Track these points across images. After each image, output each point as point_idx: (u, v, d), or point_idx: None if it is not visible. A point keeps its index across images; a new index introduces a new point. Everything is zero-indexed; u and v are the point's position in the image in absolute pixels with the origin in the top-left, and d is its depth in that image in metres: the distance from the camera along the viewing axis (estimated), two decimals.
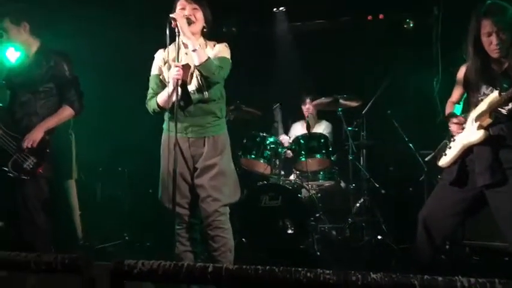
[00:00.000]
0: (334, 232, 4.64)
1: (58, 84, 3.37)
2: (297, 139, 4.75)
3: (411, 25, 5.20)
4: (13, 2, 3.61)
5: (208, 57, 2.79)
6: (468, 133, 2.66)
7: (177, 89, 2.78)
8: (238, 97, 4.53)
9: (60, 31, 4.32)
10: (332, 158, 4.68)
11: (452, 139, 2.78)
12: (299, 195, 4.45)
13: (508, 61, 2.60)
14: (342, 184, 4.99)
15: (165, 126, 3.01)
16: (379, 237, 4.39)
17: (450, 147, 2.76)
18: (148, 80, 3.08)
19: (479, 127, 2.61)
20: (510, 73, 2.58)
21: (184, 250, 2.99)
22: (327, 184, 4.91)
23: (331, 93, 4.71)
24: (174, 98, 2.79)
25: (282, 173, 4.83)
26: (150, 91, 3.04)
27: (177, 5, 2.91)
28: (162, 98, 2.91)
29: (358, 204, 4.76)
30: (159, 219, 3.08)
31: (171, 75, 2.80)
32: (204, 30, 2.98)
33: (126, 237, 4.78)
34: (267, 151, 4.64)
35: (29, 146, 3.22)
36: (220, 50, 2.94)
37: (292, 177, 5.00)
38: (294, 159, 4.75)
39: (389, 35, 5.41)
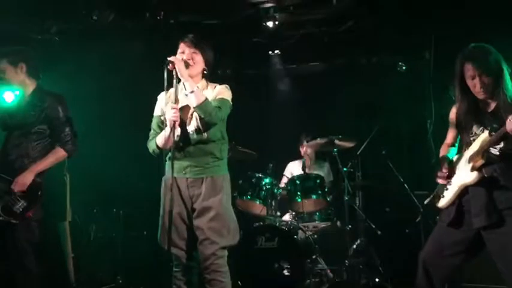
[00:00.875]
0: (331, 274, 4.57)
1: (51, 125, 3.35)
2: (292, 179, 4.75)
3: (404, 68, 5.30)
4: (10, 43, 3.67)
5: (206, 99, 2.83)
6: (463, 174, 2.68)
7: (174, 130, 2.82)
8: (233, 138, 4.56)
9: (57, 72, 4.39)
10: (328, 199, 4.67)
11: (451, 180, 2.78)
12: (295, 236, 4.41)
13: (496, 101, 2.64)
14: (339, 225, 4.95)
15: (166, 167, 3.01)
16: (377, 280, 4.33)
17: (447, 189, 2.77)
18: (145, 121, 3.11)
19: (473, 168, 2.63)
20: (498, 113, 2.61)
21: None
22: (323, 225, 4.87)
23: (326, 134, 4.74)
24: (172, 139, 2.81)
25: (278, 214, 4.80)
26: (151, 132, 3.08)
27: (179, 48, 2.98)
28: (160, 139, 2.94)
29: (354, 246, 4.71)
30: (153, 261, 3.04)
31: (168, 116, 2.83)
32: (205, 72, 3.03)
33: (120, 281, 4.69)
34: (263, 192, 4.63)
35: (18, 190, 3.18)
36: (220, 92, 2.98)
37: (287, 217, 4.96)
38: (290, 199, 4.73)
39: (383, 78, 5.51)
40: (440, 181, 2.80)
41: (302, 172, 4.88)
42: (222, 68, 5.99)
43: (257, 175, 4.66)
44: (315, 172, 5.03)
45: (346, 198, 4.73)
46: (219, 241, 2.88)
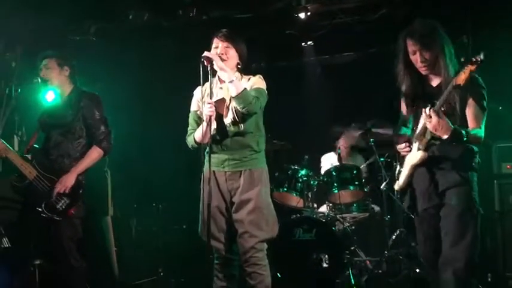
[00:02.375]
0: (370, 265, 4.54)
1: (87, 125, 3.41)
2: (328, 171, 4.72)
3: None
4: (50, 45, 3.78)
5: (245, 88, 2.86)
6: (411, 154, 2.67)
7: (211, 125, 2.85)
8: (268, 130, 4.58)
9: (95, 72, 4.51)
10: (365, 190, 4.62)
11: (403, 161, 2.77)
12: (333, 228, 4.40)
13: (439, 77, 2.62)
14: (377, 211, 4.90)
15: (205, 161, 3.05)
16: (418, 270, 4.26)
17: (401, 171, 2.76)
18: (182, 117, 3.17)
19: (418, 148, 2.62)
20: (442, 88, 2.57)
21: (221, 286, 2.98)
22: (361, 216, 4.83)
23: (362, 125, 4.69)
24: (209, 134, 2.85)
25: (315, 205, 4.79)
26: (189, 127, 3.13)
27: (212, 43, 3.02)
28: (198, 134, 2.99)
29: (394, 237, 4.65)
30: (194, 254, 3.09)
31: (204, 112, 2.87)
32: (239, 66, 3.05)
33: (161, 273, 4.79)
34: (299, 184, 4.63)
35: (61, 191, 3.26)
36: (256, 82, 3.00)
37: (324, 209, 4.95)
38: (327, 191, 4.71)
39: None
40: (402, 151, 2.73)
41: (338, 163, 4.85)
42: (255, 61, 6.00)
43: (293, 167, 4.67)
44: (351, 163, 4.99)
45: (384, 188, 4.67)
46: (258, 234, 2.90)
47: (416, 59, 2.63)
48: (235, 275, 3.02)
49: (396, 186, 2.82)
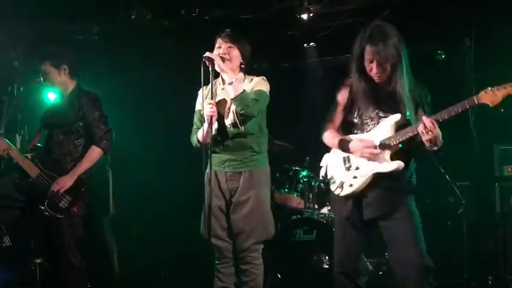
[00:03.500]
0: (371, 267, 4.53)
1: (86, 123, 3.42)
2: None
3: (443, 56, 5.16)
4: (52, 44, 3.78)
5: (244, 90, 2.86)
6: (378, 161, 2.55)
7: (211, 125, 2.86)
8: (270, 131, 4.59)
9: (97, 71, 4.51)
10: None
11: (348, 165, 2.66)
12: (333, 229, 4.38)
13: (393, 85, 2.55)
14: None
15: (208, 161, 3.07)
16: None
17: (355, 176, 2.61)
18: (184, 117, 3.18)
19: (392, 156, 2.53)
20: (395, 97, 2.54)
21: (222, 286, 2.99)
22: None
23: None
24: (210, 134, 2.86)
25: (316, 206, 4.79)
26: (194, 126, 3.15)
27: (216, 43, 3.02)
28: (200, 133, 3.00)
29: None
30: (195, 253, 3.10)
31: (205, 112, 2.88)
32: (242, 66, 3.06)
33: (162, 273, 4.79)
34: (300, 185, 4.63)
35: (56, 191, 3.26)
36: (257, 84, 3.01)
37: (325, 210, 4.94)
38: (328, 192, 4.69)
39: (421, 67, 5.38)
40: (370, 156, 2.57)
41: None
42: (257, 62, 6.00)
43: (294, 168, 4.67)
44: None
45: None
46: (253, 235, 2.94)
47: (372, 67, 2.54)
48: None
49: (345, 192, 2.64)
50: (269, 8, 5.12)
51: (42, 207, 3.28)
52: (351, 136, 2.67)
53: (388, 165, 2.54)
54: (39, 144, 3.52)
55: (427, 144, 2.41)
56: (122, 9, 4.82)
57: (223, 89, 2.99)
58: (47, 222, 3.33)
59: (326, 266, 4.17)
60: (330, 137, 2.77)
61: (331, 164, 2.80)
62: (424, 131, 2.37)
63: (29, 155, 3.41)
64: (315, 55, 6.00)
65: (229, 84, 2.84)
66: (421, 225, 2.59)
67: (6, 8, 4.28)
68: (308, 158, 4.90)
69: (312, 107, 6.02)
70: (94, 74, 4.13)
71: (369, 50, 2.53)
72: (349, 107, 2.71)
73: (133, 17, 4.79)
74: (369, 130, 2.63)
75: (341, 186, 2.65)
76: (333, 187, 2.71)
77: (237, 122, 2.90)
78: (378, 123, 2.61)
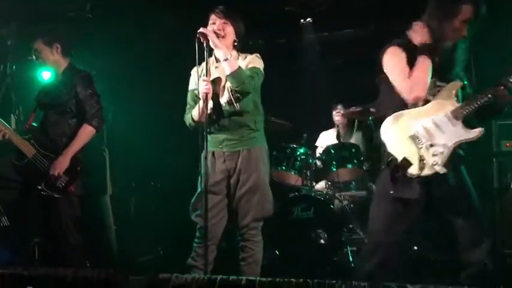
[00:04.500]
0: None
1: (78, 102, 3.38)
2: (327, 149, 4.72)
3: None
4: (45, 22, 3.72)
5: (239, 67, 2.82)
6: (455, 131, 2.42)
7: (207, 103, 2.82)
8: (266, 109, 4.56)
9: (91, 49, 4.45)
10: (364, 168, 4.62)
11: (419, 143, 2.43)
12: (331, 206, 4.41)
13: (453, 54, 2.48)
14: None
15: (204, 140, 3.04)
16: (415, 248, 4.29)
17: (435, 154, 2.41)
18: (180, 95, 3.14)
19: (467, 124, 2.43)
20: (448, 68, 2.46)
21: (193, 265, 2.99)
22: (359, 194, 4.84)
23: (361, 102, 4.66)
24: (205, 112, 2.82)
25: (314, 184, 4.80)
26: (187, 106, 3.11)
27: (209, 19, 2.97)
28: (195, 112, 2.97)
29: None
30: (192, 233, 3.11)
31: (200, 89, 2.84)
32: (235, 43, 3.01)
33: (161, 252, 4.82)
34: (298, 162, 4.62)
35: (56, 174, 3.25)
36: (251, 61, 2.97)
37: (322, 185, 4.95)
38: (325, 169, 4.71)
39: None
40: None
41: (336, 141, 4.84)
42: (253, 38, 5.94)
43: (291, 145, 4.66)
44: (350, 141, 4.98)
45: (383, 166, 4.67)
46: (254, 213, 2.94)
47: (463, 27, 2.39)
48: (210, 260, 2.96)
49: (429, 171, 2.40)
50: None
51: (40, 187, 3.28)
52: (432, 126, 2.45)
53: (471, 132, 2.42)
54: (34, 124, 3.50)
55: (500, 107, 2.41)
56: None
57: (217, 67, 2.95)
58: (44, 201, 3.34)
59: (323, 243, 4.19)
60: (422, 74, 2.45)
61: (395, 144, 2.50)
62: (505, 93, 2.34)
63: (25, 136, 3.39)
64: (312, 31, 5.94)
65: (225, 60, 2.80)
66: None
67: None
68: (305, 135, 4.89)
69: (309, 83, 5.99)
70: (88, 52, 4.07)
71: (470, 8, 2.39)
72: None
73: None
74: (427, 100, 2.48)
75: (422, 167, 2.40)
76: (412, 170, 2.41)
77: (232, 100, 2.86)
78: (435, 93, 2.46)
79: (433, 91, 2.47)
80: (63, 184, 3.30)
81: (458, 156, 2.49)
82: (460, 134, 2.43)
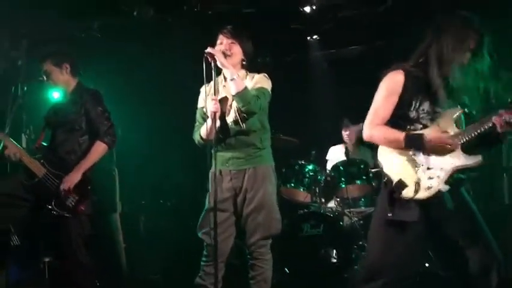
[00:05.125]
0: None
1: (89, 120, 3.41)
2: (336, 166, 4.70)
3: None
4: (54, 41, 3.77)
5: (246, 87, 2.84)
6: (454, 157, 2.38)
7: (215, 122, 2.84)
8: (274, 126, 4.58)
9: (100, 68, 4.51)
10: (373, 184, 4.60)
11: (416, 165, 2.40)
12: (341, 222, 4.38)
13: (451, 84, 2.41)
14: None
15: (212, 159, 3.05)
16: (427, 264, 4.24)
17: (431, 177, 2.38)
18: (188, 114, 3.16)
19: (467, 150, 2.38)
20: (454, 91, 2.41)
21: (201, 284, 2.98)
22: (368, 210, 4.81)
23: None
24: (214, 131, 2.84)
25: (323, 200, 4.78)
26: (196, 123, 3.13)
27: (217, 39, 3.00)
28: (203, 130, 2.98)
29: None
30: (202, 251, 3.10)
31: (209, 108, 2.86)
32: (243, 62, 3.04)
33: (170, 270, 4.80)
34: (306, 179, 4.61)
35: (66, 189, 3.27)
36: (258, 81, 2.98)
37: (332, 204, 4.93)
38: (334, 186, 4.69)
39: None
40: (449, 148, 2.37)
41: (345, 158, 4.83)
42: (260, 56, 5.98)
43: (300, 162, 4.65)
44: (358, 157, 4.97)
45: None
46: (261, 231, 2.94)
47: (467, 57, 2.38)
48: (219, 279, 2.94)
49: (421, 194, 2.36)
50: (271, 2, 5.09)
51: (50, 207, 3.29)
52: (421, 131, 2.41)
53: (469, 159, 2.38)
54: (44, 144, 3.52)
55: (501, 135, 2.34)
56: (124, 6, 4.81)
57: (224, 86, 2.98)
58: (54, 221, 3.34)
59: (333, 260, 4.16)
60: (385, 132, 2.45)
61: (391, 165, 2.46)
62: (503, 123, 2.28)
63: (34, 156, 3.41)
64: (319, 48, 5.98)
65: (231, 80, 2.82)
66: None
67: (8, 7, 4.28)
68: (314, 151, 4.89)
69: (317, 100, 6.01)
70: (97, 72, 4.13)
71: (476, 38, 2.38)
72: (407, 99, 2.43)
73: (135, 13, 4.78)
74: (424, 125, 2.44)
75: (417, 190, 2.37)
76: (406, 192, 2.38)
77: (239, 119, 2.88)
78: (433, 118, 2.44)
79: (432, 116, 2.44)
80: (73, 203, 3.30)
81: (458, 179, 2.45)
82: (458, 160, 2.39)
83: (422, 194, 2.37)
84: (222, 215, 2.93)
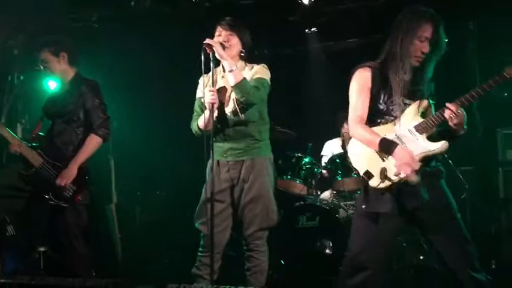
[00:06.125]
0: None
1: (85, 112, 3.39)
2: (332, 158, 4.71)
3: (446, 40, 5.12)
4: (51, 32, 3.76)
5: (244, 78, 2.84)
6: (420, 145, 2.43)
7: (213, 112, 2.84)
8: (272, 118, 4.58)
9: (98, 59, 4.49)
10: None
11: (384, 155, 2.44)
12: (337, 215, 4.40)
13: (424, 72, 2.49)
14: None
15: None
16: (421, 257, 4.27)
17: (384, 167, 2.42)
18: (185, 105, 3.16)
19: (433, 138, 2.44)
20: (421, 85, 2.49)
21: (198, 274, 2.99)
22: None
23: None
24: (211, 121, 2.84)
25: (319, 193, 4.79)
26: (194, 113, 3.13)
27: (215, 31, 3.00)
28: (201, 121, 2.99)
29: None
30: (197, 242, 3.11)
31: (206, 99, 2.86)
32: (242, 54, 3.04)
33: (165, 260, 4.81)
34: (303, 171, 4.62)
35: (63, 185, 3.25)
36: (257, 71, 2.99)
37: (327, 194, 4.94)
38: (330, 178, 4.70)
39: None
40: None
41: (342, 150, 4.84)
42: (258, 49, 5.96)
43: (296, 155, 4.66)
44: None
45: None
46: (256, 223, 2.96)
47: (422, 47, 2.45)
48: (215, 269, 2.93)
49: (389, 182, 2.40)
50: None
51: (47, 197, 3.29)
52: (395, 140, 2.46)
53: (433, 145, 2.42)
54: (41, 133, 3.51)
55: (453, 128, 2.40)
56: None
57: (223, 77, 2.98)
58: (51, 211, 3.35)
59: (329, 252, 4.18)
60: (366, 133, 2.50)
61: (360, 157, 2.53)
62: (451, 116, 2.36)
63: (31, 145, 3.40)
64: (317, 40, 5.96)
65: (230, 71, 2.82)
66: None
67: None
68: (310, 144, 4.90)
69: (314, 93, 6.00)
70: (94, 62, 4.11)
71: (429, 27, 2.44)
72: (376, 93, 2.53)
73: (132, 3, 4.75)
74: (395, 117, 2.51)
75: (383, 177, 2.42)
76: (373, 181, 2.44)
77: (238, 110, 2.88)
78: (403, 110, 2.50)
79: (402, 108, 2.50)
80: (70, 193, 3.30)
81: (435, 170, 2.51)
82: (422, 146, 2.44)
83: (391, 182, 2.41)
84: (219, 206, 2.94)
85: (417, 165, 2.36)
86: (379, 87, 2.52)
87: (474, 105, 4.56)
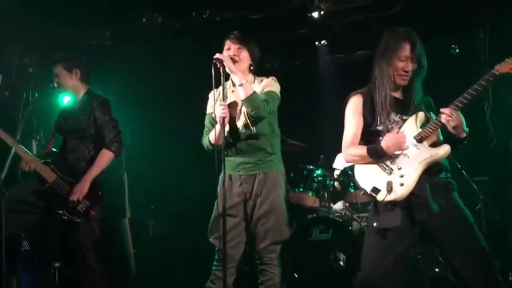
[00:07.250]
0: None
1: (96, 128, 3.44)
2: (345, 170, 4.69)
3: (457, 50, 5.11)
4: (65, 49, 3.82)
5: (254, 92, 2.85)
6: (421, 152, 2.47)
7: (224, 127, 2.85)
8: (282, 131, 4.58)
9: (110, 75, 4.54)
10: None
11: (388, 170, 2.50)
12: (350, 227, 4.37)
13: (412, 90, 2.56)
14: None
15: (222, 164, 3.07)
16: (437, 270, 4.21)
17: (402, 175, 2.46)
18: (197, 120, 3.18)
19: (433, 145, 2.49)
20: (414, 101, 2.55)
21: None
22: None
23: None
24: (222, 136, 2.85)
25: (331, 205, 4.76)
26: (205, 129, 3.15)
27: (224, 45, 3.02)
28: (212, 135, 3.01)
29: None
30: (211, 256, 3.11)
31: (217, 113, 2.88)
32: (251, 67, 3.06)
33: (179, 275, 4.80)
34: (315, 184, 4.61)
35: (75, 200, 3.28)
36: (267, 84, 3.00)
37: (340, 205, 4.91)
38: (343, 190, 4.68)
39: (435, 62, 5.33)
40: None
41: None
42: (269, 62, 5.99)
43: (308, 167, 4.65)
44: None
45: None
46: (271, 236, 2.95)
47: (404, 66, 2.52)
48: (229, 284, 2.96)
49: (396, 196, 2.43)
50: (279, 7, 5.11)
51: (61, 212, 3.32)
52: (400, 153, 2.52)
53: (434, 150, 2.47)
54: (54, 149, 3.56)
55: (453, 132, 2.43)
56: (134, 13, 4.86)
57: (233, 91, 3.00)
58: (65, 226, 3.38)
59: (343, 265, 4.14)
60: (355, 150, 2.62)
61: (365, 176, 2.58)
62: (448, 119, 2.40)
63: (44, 161, 3.44)
64: (327, 53, 5.97)
65: (240, 85, 2.84)
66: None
67: (19, 15, 4.33)
68: (322, 156, 4.88)
69: (325, 105, 5.99)
70: (107, 78, 4.16)
71: (407, 46, 2.52)
72: (370, 116, 2.62)
73: (144, 20, 4.82)
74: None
75: (390, 189, 2.44)
76: (380, 196, 2.47)
77: (249, 123, 2.89)
78: (401, 127, 2.56)
79: (400, 125, 2.56)
80: (84, 208, 3.33)
81: (444, 181, 2.54)
82: (424, 153, 2.48)
83: (399, 193, 2.44)
84: (232, 220, 2.94)
85: (404, 137, 2.47)
86: (372, 110, 2.61)
87: (487, 116, 4.55)
